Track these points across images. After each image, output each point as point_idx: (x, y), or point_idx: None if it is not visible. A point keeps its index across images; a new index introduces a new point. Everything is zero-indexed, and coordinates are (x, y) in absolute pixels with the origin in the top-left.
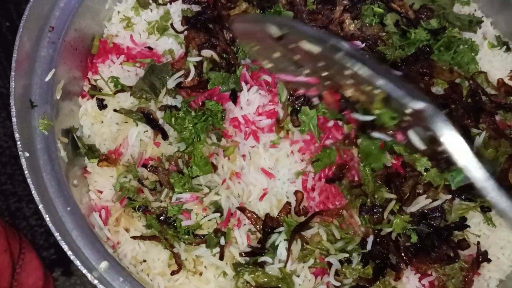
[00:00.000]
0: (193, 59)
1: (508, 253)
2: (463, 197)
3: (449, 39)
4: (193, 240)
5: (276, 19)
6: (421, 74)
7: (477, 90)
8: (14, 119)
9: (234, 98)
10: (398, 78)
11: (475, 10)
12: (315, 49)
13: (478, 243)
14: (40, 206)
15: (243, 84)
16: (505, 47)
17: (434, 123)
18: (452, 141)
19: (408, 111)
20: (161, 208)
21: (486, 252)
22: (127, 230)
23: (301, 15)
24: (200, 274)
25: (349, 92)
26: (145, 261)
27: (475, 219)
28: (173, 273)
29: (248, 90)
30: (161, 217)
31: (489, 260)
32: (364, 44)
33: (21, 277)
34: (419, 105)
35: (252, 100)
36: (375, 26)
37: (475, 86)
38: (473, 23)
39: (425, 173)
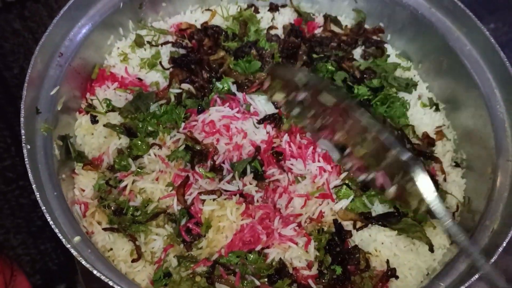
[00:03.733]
0: (174, 90)
1: (415, 273)
2: (380, 223)
3: (386, 96)
4: (146, 217)
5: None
6: None
7: (403, 139)
8: (22, 119)
9: (201, 110)
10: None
11: (414, 76)
12: (331, 100)
13: (388, 261)
14: (34, 186)
15: (215, 101)
16: (434, 107)
17: (413, 170)
18: (424, 183)
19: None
20: (116, 205)
21: (394, 269)
22: (99, 223)
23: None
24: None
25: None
26: (111, 249)
27: (388, 241)
28: (133, 261)
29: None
30: (117, 212)
31: (397, 277)
32: None
33: None
34: (406, 156)
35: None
36: (326, 80)
37: (402, 135)
38: (409, 86)
39: (350, 203)
